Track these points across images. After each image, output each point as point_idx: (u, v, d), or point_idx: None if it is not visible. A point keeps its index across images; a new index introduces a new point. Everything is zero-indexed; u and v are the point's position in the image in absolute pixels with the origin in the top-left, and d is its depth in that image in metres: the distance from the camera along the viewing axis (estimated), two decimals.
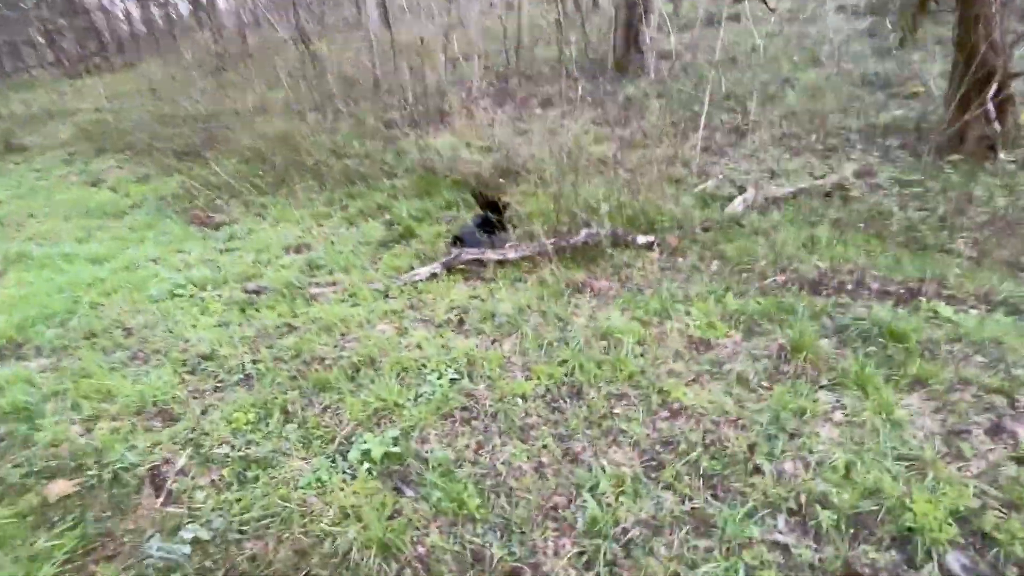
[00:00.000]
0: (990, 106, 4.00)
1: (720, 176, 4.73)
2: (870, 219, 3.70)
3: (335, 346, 2.70)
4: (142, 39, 18.11)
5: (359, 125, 7.79)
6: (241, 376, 2.53)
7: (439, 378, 2.34)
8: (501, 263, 3.63)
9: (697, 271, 3.42)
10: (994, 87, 4.03)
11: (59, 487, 1.85)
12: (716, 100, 7.14)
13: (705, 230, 4.04)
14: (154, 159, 7.50)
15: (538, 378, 2.32)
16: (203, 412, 2.28)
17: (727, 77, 7.81)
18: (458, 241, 4.00)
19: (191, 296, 3.46)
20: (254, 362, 2.63)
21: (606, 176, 5.31)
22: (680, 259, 3.64)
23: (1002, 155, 4.11)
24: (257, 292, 3.41)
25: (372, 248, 4.21)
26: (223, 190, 6.05)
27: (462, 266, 3.63)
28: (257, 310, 3.18)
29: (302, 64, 8.97)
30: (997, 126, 4.06)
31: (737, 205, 4.33)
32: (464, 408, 2.18)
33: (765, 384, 2.29)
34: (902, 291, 2.89)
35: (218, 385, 2.48)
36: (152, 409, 2.31)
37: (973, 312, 2.67)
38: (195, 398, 2.38)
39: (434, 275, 3.55)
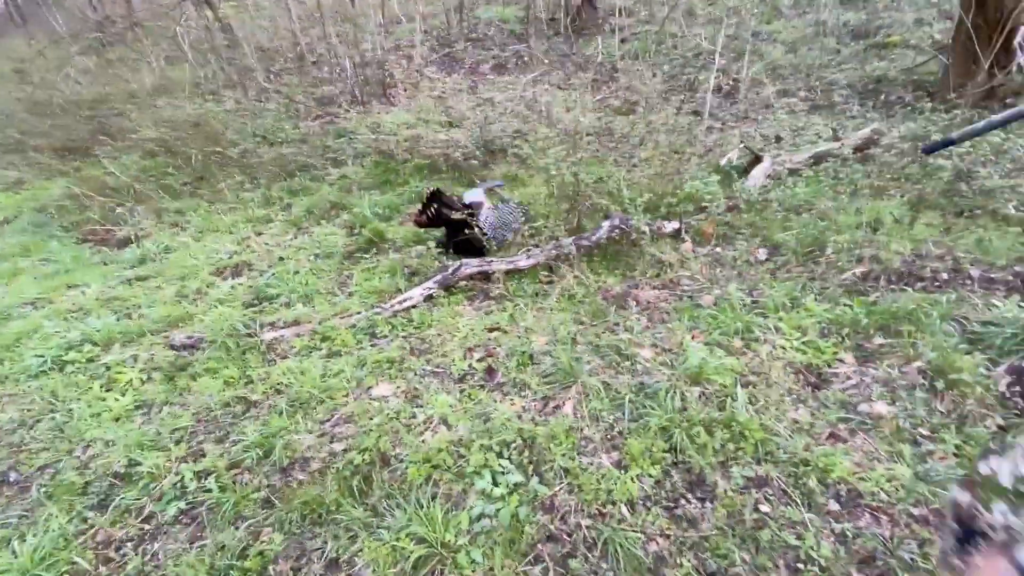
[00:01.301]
0: (1020, 55, 3.56)
1: (741, 145, 4.09)
2: (925, 188, 3.18)
3: (321, 434, 1.83)
4: None
5: (288, 105, 6.52)
6: (182, 506, 1.62)
7: (494, 482, 1.55)
8: (510, 273, 2.83)
9: (748, 265, 2.78)
10: (1022, 32, 3.59)
11: None
12: (689, 59, 6.50)
13: (730, 210, 3.41)
14: (28, 159, 5.91)
15: (636, 463, 1.59)
16: None
17: (692, 32, 7.17)
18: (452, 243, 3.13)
19: (90, 361, 2.41)
20: (199, 476, 1.72)
21: (596, 150, 4.56)
22: (719, 250, 2.99)
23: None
24: (189, 347, 2.42)
25: (335, 262, 3.26)
26: (124, 195, 4.75)
27: (463, 282, 2.79)
28: (193, 378, 2.21)
29: (208, 34, 7.42)
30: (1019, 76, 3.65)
31: (757, 177, 3.71)
32: (549, 537, 1.42)
33: (926, 432, 1.69)
34: (1010, 278, 2.38)
35: (144, 529, 1.57)
36: None
37: None
38: (108, 564, 1.47)
39: (429, 298, 2.69)
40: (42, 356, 2.43)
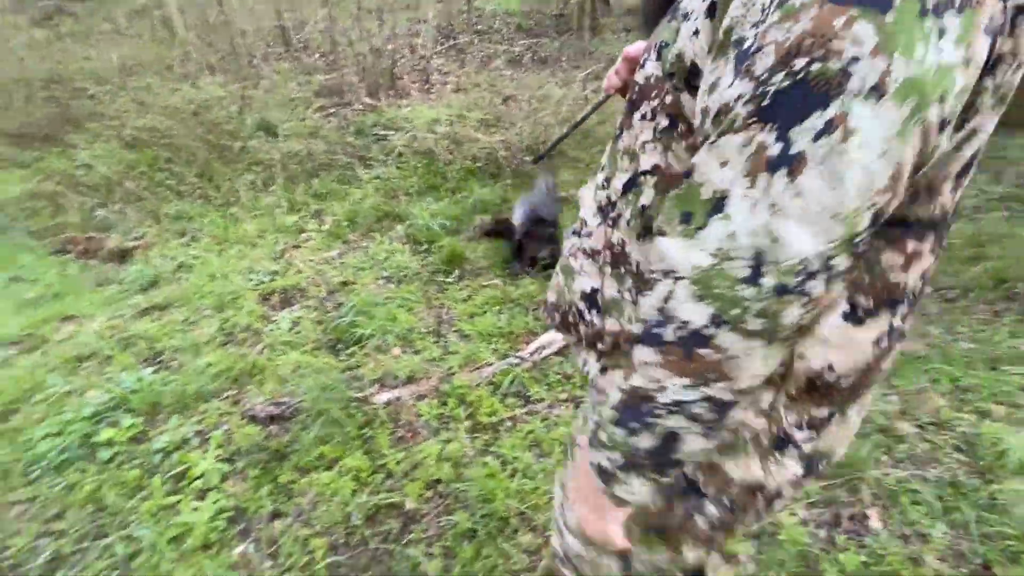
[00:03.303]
0: None
1: None
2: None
3: None
4: None
5: (286, 94, 5.65)
6: None
7: None
8: None
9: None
10: None
11: None
12: None
13: None
14: None
15: None
16: None
17: None
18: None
19: (134, 441, 1.68)
20: None
21: None
22: None
23: None
24: (279, 419, 1.74)
25: (417, 289, 2.61)
26: (106, 192, 3.85)
27: None
28: (300, 470, 1.55)
29: (195, 9, 6.37)
30: None
31: None
32: None
33: None
34: None
35: None
36: None
37: None
38: None
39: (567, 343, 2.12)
40: (59, 434, 1.67)
